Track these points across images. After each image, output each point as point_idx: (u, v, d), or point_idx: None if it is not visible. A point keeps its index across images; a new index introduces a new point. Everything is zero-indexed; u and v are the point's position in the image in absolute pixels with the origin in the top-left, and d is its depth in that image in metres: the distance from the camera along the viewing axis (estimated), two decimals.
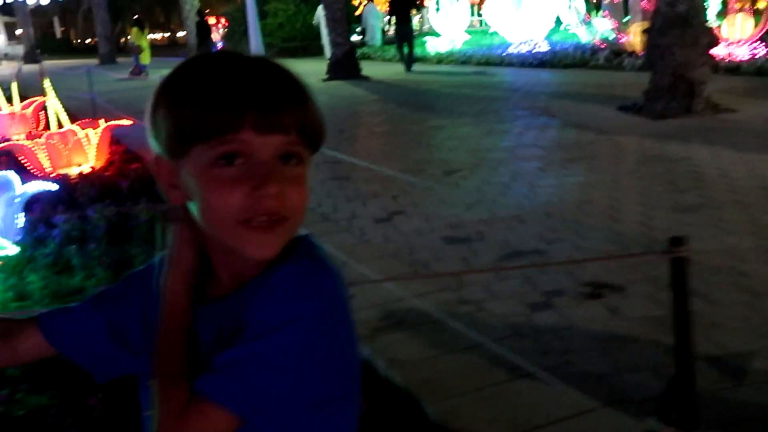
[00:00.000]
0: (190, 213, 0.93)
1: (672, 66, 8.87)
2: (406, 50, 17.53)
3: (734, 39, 13.65)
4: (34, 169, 7.61)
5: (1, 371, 3.52)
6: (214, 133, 0.86)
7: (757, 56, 12.91)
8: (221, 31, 33.62)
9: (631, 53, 15.08)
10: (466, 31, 22.03)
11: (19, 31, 46.21)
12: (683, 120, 8.60)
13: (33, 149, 7.59)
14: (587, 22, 19.00)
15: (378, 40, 25.02)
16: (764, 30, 13.31)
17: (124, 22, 37.17)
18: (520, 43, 18.45)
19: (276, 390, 0.86)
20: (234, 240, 0.88)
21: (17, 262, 4.94)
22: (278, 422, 0.89)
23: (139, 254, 4.98)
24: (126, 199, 6.51)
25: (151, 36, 52.94)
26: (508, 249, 4.80)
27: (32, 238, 5.52)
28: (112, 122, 8.15)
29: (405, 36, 17.46)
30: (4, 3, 35.93)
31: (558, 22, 19.76)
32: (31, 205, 5.80)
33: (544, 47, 18.02)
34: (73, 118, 8.11)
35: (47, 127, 9.77)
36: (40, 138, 7.70)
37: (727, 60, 12.96)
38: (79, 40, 53.56)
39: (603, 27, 18.37)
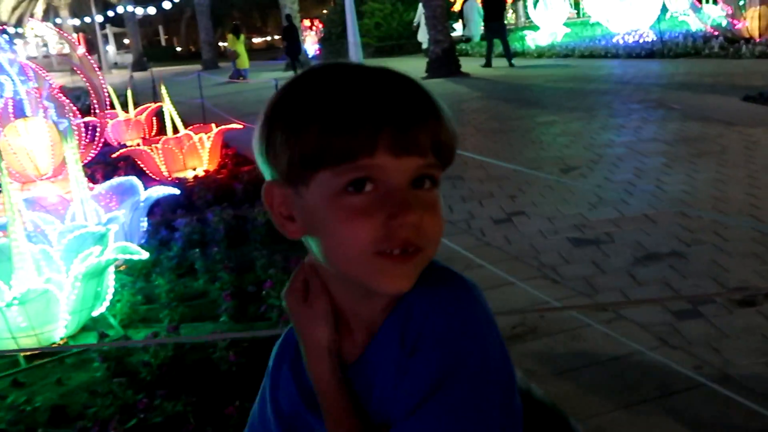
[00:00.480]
0: (315, 264, 0.87)
1: None
2: (497, 47, 17.57)
3: None
4: (151, 173, 7.83)
5: (134, 376, 3.57)
6: (344, 158, 0.77)
7: None
8: (315, 33, 34.05)
9: (749, 39, 14.21)
10: (564, 24, 21.43)
11: (126, 41, 48.49)
12: None
13: (151, 154, 7.81)
14: (697, 9, 18.10)
15: (477, 35, 24.63)
16: None
17: (223, 29, 38.25)
18: (625, 34, 17.74)
19: None
20: (367, 275, 0.80)
21: (143, 265, 5.04)
22: None
23: (260, 257, 4.99)
24: (241, 202, 6.59)
25: (248, 40, 54.49)
26: (643, 251, 4.51)
27: (156, 241, 5.64)
28: (224, 126, 8.30)
29: (497, 32, 17.26)
30: (115, 15, 37.72)
31: (664, 9, 18.90)
32: (151, 208, 5.93)
33: (650, 37, 17.25)
34: (184, 123, 8.32)
35: (159, 132, 10.10)
36: (157, 143, 7.91)
37: None
38: (182, 48, 55.63)
39: (714, 13, 17.44)
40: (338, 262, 0.81)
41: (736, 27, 14.88)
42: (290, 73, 18.93)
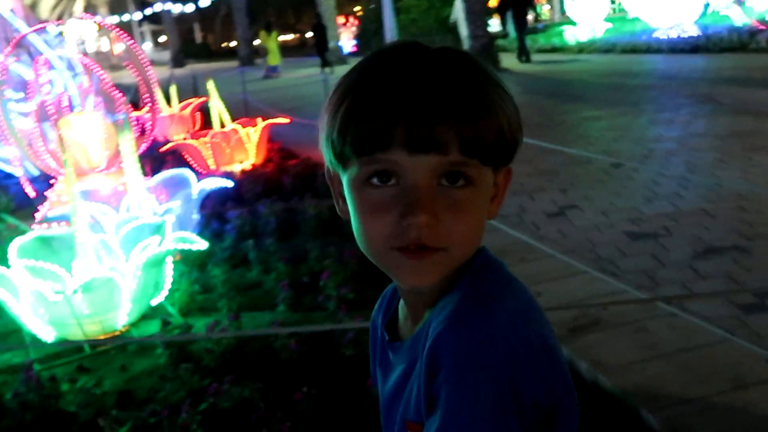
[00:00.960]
0: None
1: None
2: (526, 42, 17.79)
3: None
4: (199, 167, 7.91)
5: (199, 362, 3.61)
6: (362, 150, 0.77)
7: None
8: (352, 29, 34.09)
9: None
10: (604, 20, 21.17)
11: (162, 38, 49.00)
12: None
13: (198, 148, 7.89)
14: (741, 3, 17.76)
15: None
16: None
17: (259, 26, 38.52)
18: (668, 29, 17.47)
19: None
20: (386, 267, 0.81)
21: (198, 256, 5.09)
22: None
23: (313, 249, 5.01)
24: (289, 195, 6.63)
25: (281, 38, 54.71)
26: (702, 245, 4.44)
27: (208, 233, 5.70)
28: (271, 120, 8.35)
29: (521, 27, 17.62)
30: (153, 13, 38.23)
31: (706, 4, 18.57)
32: (201, 201, 5.99)
33: (693, 31, 16.96)
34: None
35: (203, 127, 10.20)
36: (205, 137, 7.99)
37: None
38: (217, 45, 56.15)
39: (760, 7, 17.10)
40: (363, 250, 0.82)
41: None
42: (326, 70, 19.01)
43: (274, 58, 22.46)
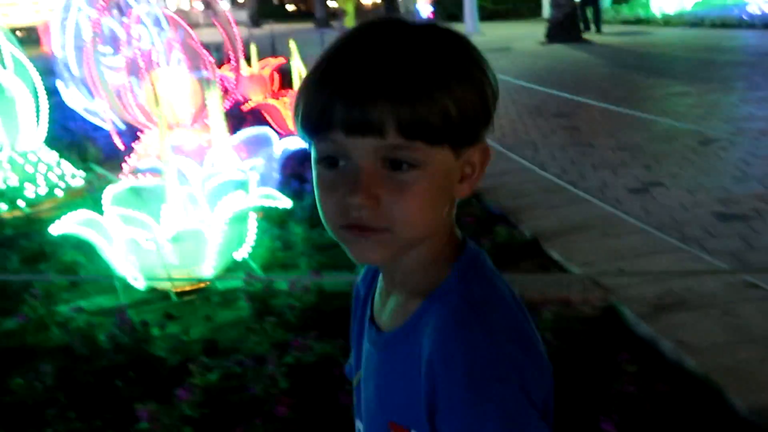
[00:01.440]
0: None
1: None
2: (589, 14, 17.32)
3: None
4: (278, 127, 8.02)
5: (281, 316, 3.70)
6: (307, 131, 0.78)
7: None
8: None
9: None
10: None
11: None
12: None
13: (279, 108, 7.99)
14: None
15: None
16: None
17: None
18: (763, 2, 16.63)
19: None
20: (341, 243, 0.81)
21: (279, 214, 5.19)
22: None
23: None
24: None
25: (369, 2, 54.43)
26: None
27: (288, 192, 5.79)
28: None
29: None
30: None
31: None
32: (282, 161, 6.08)
33: None
34: None
35: (281, 87, 10.29)
36: (285, 97, 8.07)
37: None
38: (293, 6, 56.32)
39: None
40: (325, 225, 0.82)
41: None
42: None
43: (351, 21, 22.38)
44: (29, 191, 6.42)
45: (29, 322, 3.76)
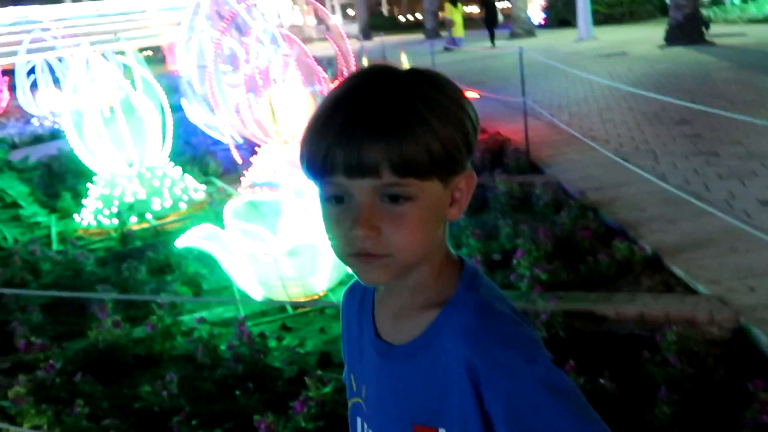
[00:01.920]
0: None
1: None
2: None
3: None
4: None
5: None
6: (315, 175, 0.88)
7: None
8: (539, 0, 33.09)
9: None
10: None
11: (350, 12, 50.42)
12: None
13: None
14: None
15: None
16: None
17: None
18: None
19: None
20: (352, 270, 0.91)
21: None
22: None
23: (504, 226, 4.97)
24: (478, 170, 6.60)
25: (468, 9, 54.30)
26: None
27: None
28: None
29: None
30: None
31: None
32: None
33: None
34: None
35: None
36: None
37: None
38: (403, 17, 56.90)
39: None
40: (335, 254, 0.91)
41: None
42: (515, 42, 18.65)
43: (459, 31, 22.37)
44: (156, 204, 6.78)
45: (156, 331, 3.95)
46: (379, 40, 24.28)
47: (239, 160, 7.29)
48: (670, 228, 4.78)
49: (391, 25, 47.19)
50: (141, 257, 5.36)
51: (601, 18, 22.58)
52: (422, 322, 0.94)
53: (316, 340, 3.90)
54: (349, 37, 8.51)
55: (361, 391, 1.04)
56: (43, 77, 16.01)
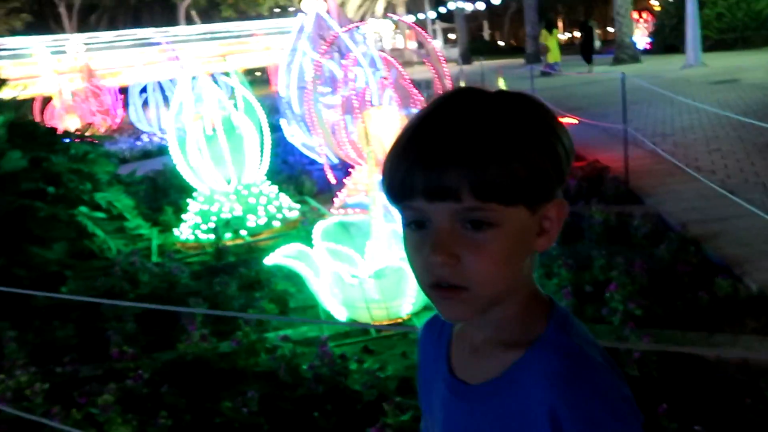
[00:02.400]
0: None
1: None
2: None
3: None
4: None
5: None
6: (396, 198, 0.85)
7: None
8: (645, 26, 32.25)
9: None
10: None
11: (452, 36, 50.70)
12: None
13: None
14: None
15: None
16: None
17: (541, 24, 38.13)
18: None
19: None
20: (431, 302, 0.87)
21: None
22: None
23: (598, 257, 4.79)
24: (575, 198, 6.43)
25: (569, 34, 53.54)
26: None
27: None
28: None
29: None
30: (446, 11, 39.78)
31: None
32: None
33: None
34: None
35: None
36: None
37: None
38: (504, 42, 56.72)
39: None
40: (418, 285, 0.88)
41: None
42: (618, 68, 18.17)
43: (554, 56, 22.25)
44: (251, 221, 6.94)
45: (241, 347, 4.01)
46: (478, 64, 24.26)
47: (333, 181, 7.37)
48: None
49: (492, 50, 47.07)
50: (233, 273, 5.49)
51: (711, 44, 21.71)
52: (503, 362, 0.89)
53: (397, 364, 3.85)
54: (448, 61, 8.50)
55: (431, 430, 1.00)
56: (154, 96, 16.84)
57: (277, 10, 41.40)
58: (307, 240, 4.72)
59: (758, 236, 5.05)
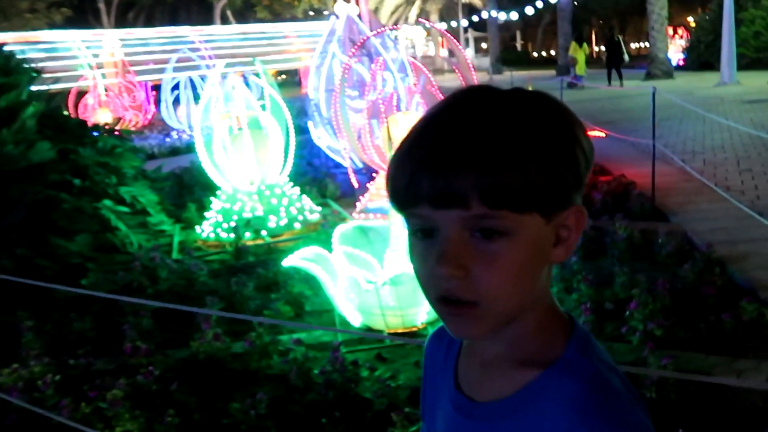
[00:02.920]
0: None
1: None
2: None
3: None
4: None
5: None
6: (400, 205, 0.79)
7: None
8: (679, 42, 31.90)
9: None
10: None
11: (484, 45, 50.57)
12: None
13: None
14: None
15: None
16: None
17: (573, 36, 37.95)
18: None
19: None
20: (439, 317, 0.81)
21: None
22: None
23: (620, 274, 4.70)
24: (599, 213, 6.33)
25: (597, 48, 53.09)
26: None
27: None
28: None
29: None
30: (479, 19, 39.66)
31: None
32: None
33: None
34: None
35: None
36: None
37: None
38: (536, 53, 56.43)
39: None
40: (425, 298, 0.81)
41: None
42: (650, 83, 17.97)
43: (581, 69, 22.22)
44: (272, 222, 6.94)
45: (254, 348, 3.99)
46: (508, 74, 24.13)
47: (356, 185, 7.35)
48: None
49: (524, 61, 46.87)
50: (251, 273, 5.48)
51: (747, 62, 21.41)
52: (517, 381, 0.82)
53: (409, 373, 3.81)
54: (478, 70, 8.46)
55: None
56: (185, 93, 16.99)
57: (311, 13, 41.63)
58: (327, 243, 4.70)
59: None
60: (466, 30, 46.60)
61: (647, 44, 28.28)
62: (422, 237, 0.78)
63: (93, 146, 7.86)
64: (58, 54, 20.58)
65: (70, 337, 4.51)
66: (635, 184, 7.26)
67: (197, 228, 7.20)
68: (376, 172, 7.25)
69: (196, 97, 16.24)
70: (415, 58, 12.63)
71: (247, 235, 6.74)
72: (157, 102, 18.36)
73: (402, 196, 0.77)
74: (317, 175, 9.43)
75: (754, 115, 11.96)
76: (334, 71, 9.13)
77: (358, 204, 7.20)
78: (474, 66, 8.24)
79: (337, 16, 9.81)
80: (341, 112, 7.36)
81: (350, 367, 3.64)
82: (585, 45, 23.35)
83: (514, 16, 35.92)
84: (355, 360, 3.80)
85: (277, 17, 38.85)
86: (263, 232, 6.85)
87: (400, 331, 4.29)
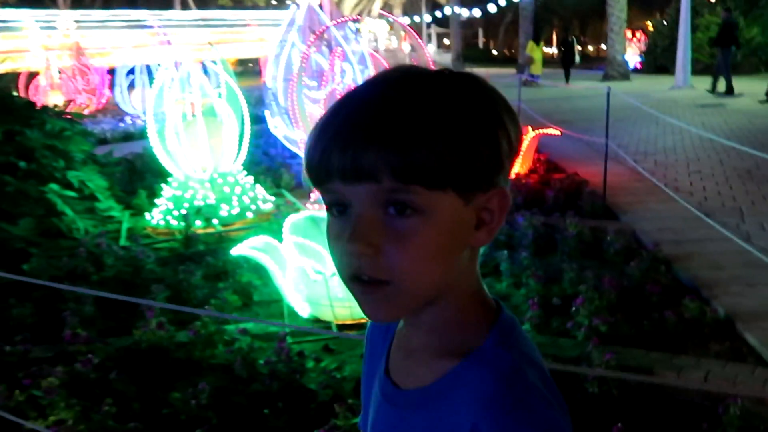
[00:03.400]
0: None
1: None
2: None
3: None
4: None
5: None
6: (314, 181, 0.77)
7: None
8: (636, 45, 32.47)
9: None
10: None
11: (446, 41, 50.78)
12: None
13: None
14: None
15: None
16: None
17: (541, 34, 38.32)
18: None
19: None
20: (354, 298, 0.78)
21: None
22: None
23: (568, 270, 4.75)
24: (550, 209, 6.39)
25: (555, 49, 53.75)
26: None
27: None
28: (541, 131, 8.15)
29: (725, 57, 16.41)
30: (442, 16, 39.79)
31: None
32: None
33: None
34: None
35: None
36: None
37: None
38: (498, 51, 56.83)
39: None
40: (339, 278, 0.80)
41: None
42: (607, 84, 18.22)
43: (537, 68, 22.58)
44: (224, 211, 6.84)
45: (199, 337, 3.92)
46: (469, 70, 24.33)
47: None
48: (748, 292, 4.47)
49: (485, 58, 47.19)
50: (200, 261, 5.40)
51: (701, 67, 21.85)
52: (435, 371, 0.80)
53: (356, 365, 3.78)
54: (440, 66, 8.45)
55: (366, 427, 0.92)
56: (141, 78, 16.66)
57: (273, 2, 41.23)
58: (279, 233, 4.64)
59: (730, 260, 5.04)
60: (429, 26, 46.72)
61: (606, 46, 28.68)
62: (337, 214, 0.76)
63: (41, 128, 7.64)
64: (9, 33, 20.00)
65: (8, 323, 4.37)
66: (588, 182, 7.35)
67: (147, 215, 7.06)
68: None
69: (152, 82, 16.01)
70: (377, 51, 12.59)
71: (198, 223, 6.63)
72: (112, 86, 17.98)
73: (315, 170, 0.76)
74: (273, 164, 9.34)
75: (705, 119, 12.23)
76: (293, 61, 9.02)
77: (312, 195, 7.14)
78: (435, 62, 8.24)
79: (297, 6, 9.70)
80: (298, 102, 7.29)
81: (296, 358, 3.60)
82: (542, 44, 23.77)
83: (476, 13, 36.17)
84: (301, 351, 3.76)
85: (238, 4, 38.39)
86: (215, 221, 6.75)
87: (348, 322, 4.26)
